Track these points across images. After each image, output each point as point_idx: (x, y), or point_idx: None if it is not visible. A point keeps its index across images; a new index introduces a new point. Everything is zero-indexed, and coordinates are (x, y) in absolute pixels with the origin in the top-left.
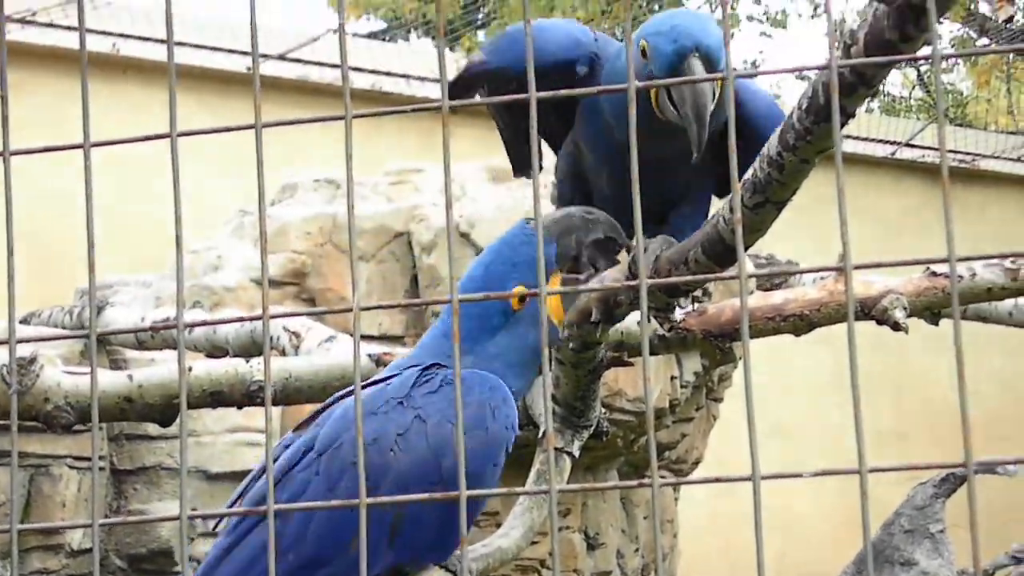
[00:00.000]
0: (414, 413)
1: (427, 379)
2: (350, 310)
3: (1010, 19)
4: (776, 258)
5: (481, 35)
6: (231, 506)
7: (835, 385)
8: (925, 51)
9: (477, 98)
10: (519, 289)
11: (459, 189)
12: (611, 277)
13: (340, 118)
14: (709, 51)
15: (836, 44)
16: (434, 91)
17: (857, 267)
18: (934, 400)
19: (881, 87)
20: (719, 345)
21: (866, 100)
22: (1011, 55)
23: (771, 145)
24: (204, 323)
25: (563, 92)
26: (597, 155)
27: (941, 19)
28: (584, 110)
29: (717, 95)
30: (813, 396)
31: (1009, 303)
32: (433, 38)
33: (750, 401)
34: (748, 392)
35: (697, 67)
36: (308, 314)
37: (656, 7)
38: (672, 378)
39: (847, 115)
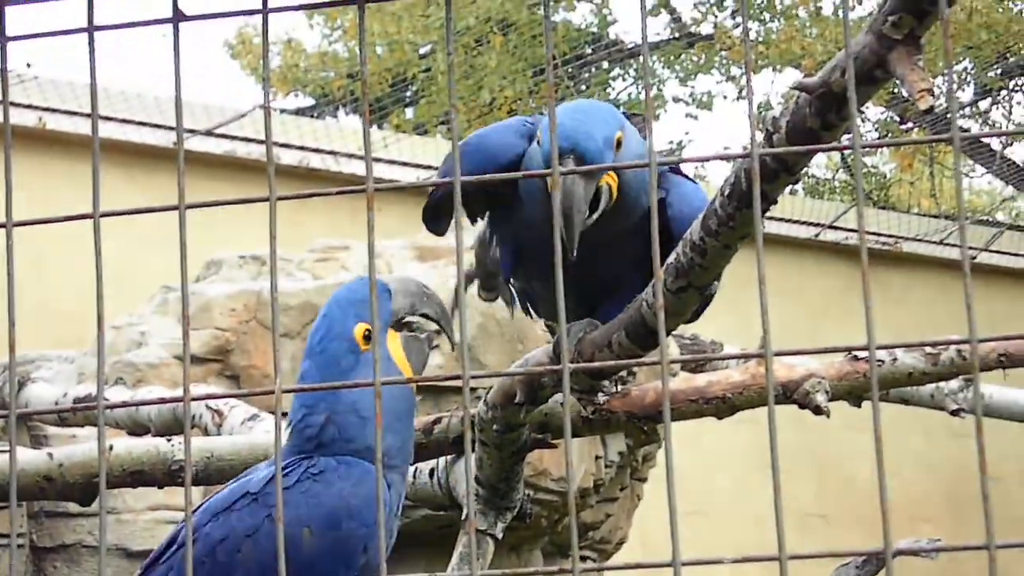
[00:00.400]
0: (266, 511)
1: (286, 472)
2: (272, 392)
3: (930, 109)
4: (700, 338)
5: (409, 112)
6: None
7: (758, 465)
8: (847, 139)
9: (402, 181)
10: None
11: (384, 266)
12: (535, 359)
13: (265, 199)
14: (585, 153)
15: (759, 129)
16: (362, 168)
17: (778, 354)
18: (856, 480)
19: (804, 172)
20: (643, 427)
21: (788, 186)
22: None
23: (694, 231)
24: (125, 404)
25: (487, 176)
26: (527, 240)
27: (862, 108)
28: (514, 196)
29: (607, 196)
30: (736, 477)
31: (930, 386)
32: (360, 114)
33: (671, 487)
34: (670, 478)
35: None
36: (230, 396)
37: (583, 88)
38: (597, 458)
39: (769, 201)
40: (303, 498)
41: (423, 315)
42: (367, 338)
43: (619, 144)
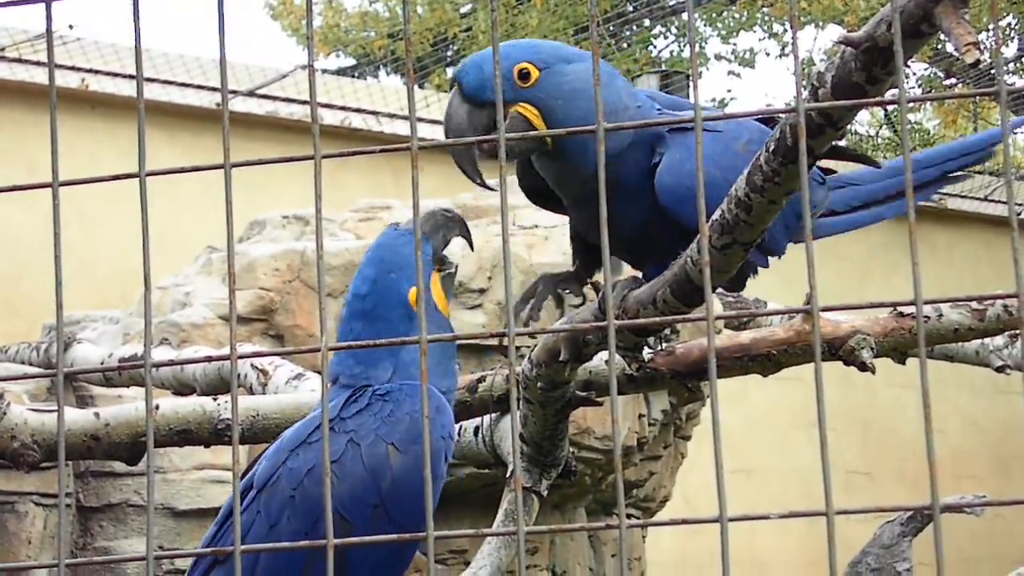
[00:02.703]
0: (347, 437)
1: (355, 399)
2: (318, 350)
3: (977, 63)
4: (744, 296)
5: (450, 71)
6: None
7: (803, 423)
8: (892, 93)
9: (445, 140)
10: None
11: None
12: (580, 317)
13: (310, 158)
14: (465, 85)
15: (803, 85)
16: (403, 128)
17: (824, 309)
18: (901, 438)
19: (849, 127)
20: (688, 385)
21: (833, 141)
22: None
23: (739, 186)
24: (171, 363)
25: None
26: (568, 198)
27: (907, 62)
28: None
29: (521, 127)
30: (781, 434)
31: (975, 343)
32: (403, 75)
33: (718, 443)
34: (716, 434)
35: (453, 96)
36: (275, 354)
37: (626, 45)
38: (640, 416)
39: (815, 157)
40: (379, 419)
41: (457, 237)
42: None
43: (524, 76)
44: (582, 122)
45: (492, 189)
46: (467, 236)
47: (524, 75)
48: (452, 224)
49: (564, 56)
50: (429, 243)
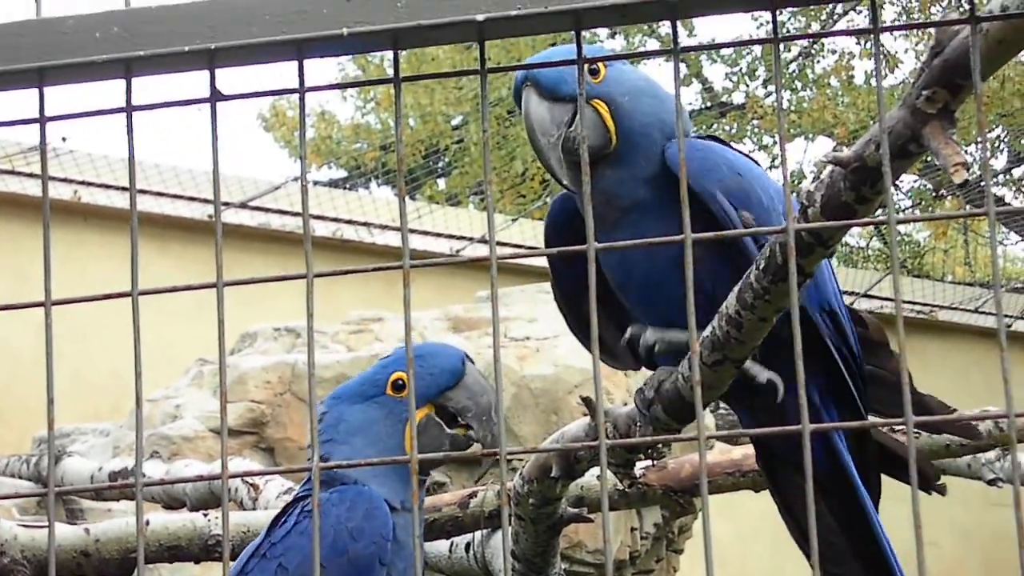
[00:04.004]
0: (275, 563)
1: (284, 520)
2: (309, 469)
3: (965, 183)
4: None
5: (441, 183)
6: None
7: None
8: (881, 212)
9: (437, 258)
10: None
11: (419, 337)
12: (571, 434)
13: (302, 276)
14: (541, 77)
15: (792, 206)
16: (395, 239)
17: (815, 428)
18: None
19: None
20: (679, 501)
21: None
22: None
23: (729, 304)
24: (163, 482)
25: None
26: (610, 219)
27: (896, 181)
28: None
29: (595, 121)
30: (773, 546)
31: (968, 457)
32: (394, 186)
33: (709, 562)
34: (708, 552)
35: (530, 96)
36: (267, 473)
37: None
38: (632, 529)
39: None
40: (306, 537)
41: (466, 421)
42: (396, 386)
43: (595, 72)
44: (649, 118)
45: (574, 192)
46: (476, 427)
47: (594, 71)
48: (474, 409)
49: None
50: (452, 383)
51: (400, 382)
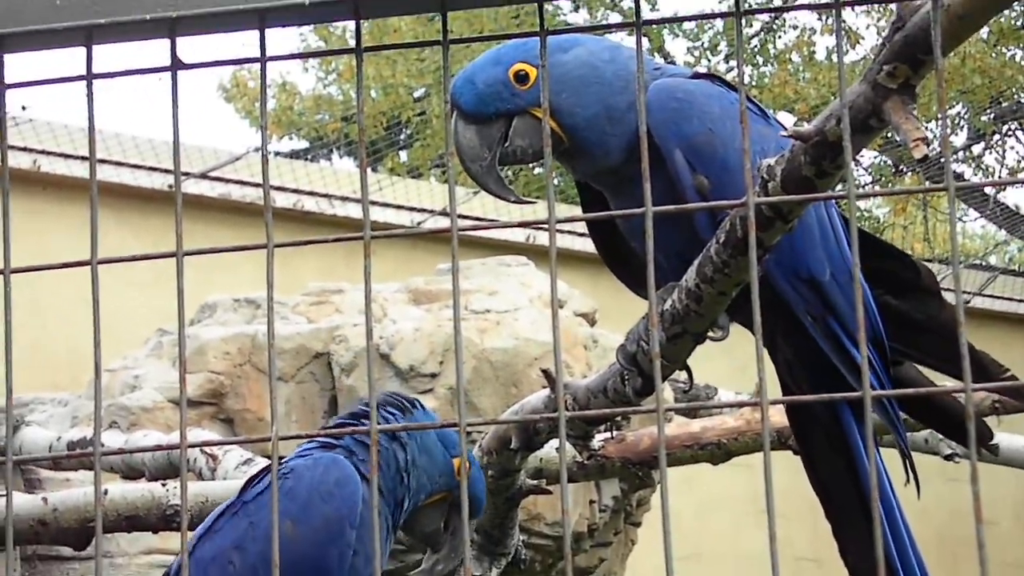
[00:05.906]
0: (247, 520)
1: (258, 479)
2: (268, 439)
3: (925, 158)
4: (695, 382)
5: (403, 155)
6: None
7: (753, 509)
8: (841, 187)
9: (398, 229)
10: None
11: (379, 310)
12: (531, 405)
13: (263, 247)
14: (463, 104)
15: (754, 179)
16: (356, 210)
17: (774, 402)
18: None
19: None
20: (638, 473)
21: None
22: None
23: (689, 277)
24: (121, 451)
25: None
26: (608, 188)
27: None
28: None
29: (524, 129)
30: (731, 520)
31: (924, 431)
32: (356, 157)
33: (667, 534)
34: (665, 525)
35: (457, 122)
36: (226, 443)
37: None
38: (591, 502)
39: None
40: (281, 495)
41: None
42: (519, 76)
43: (523, 78)
44: (596, 109)
45: (530, 202)
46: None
47: (522, 77)
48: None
49: (557, 46)
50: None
51: (523, 73)
